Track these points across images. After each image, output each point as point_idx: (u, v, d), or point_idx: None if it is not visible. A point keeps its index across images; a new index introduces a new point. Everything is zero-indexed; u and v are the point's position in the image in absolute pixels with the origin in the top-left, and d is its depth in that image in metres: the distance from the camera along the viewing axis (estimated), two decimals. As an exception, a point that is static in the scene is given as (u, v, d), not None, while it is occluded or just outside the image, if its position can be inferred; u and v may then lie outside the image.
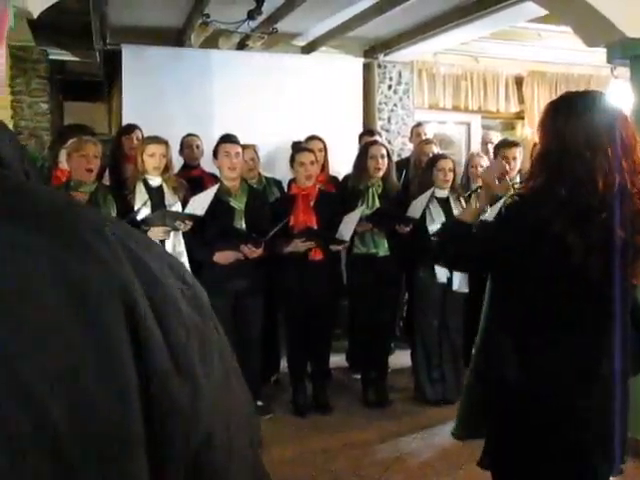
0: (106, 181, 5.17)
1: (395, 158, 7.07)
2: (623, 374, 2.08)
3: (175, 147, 5.67)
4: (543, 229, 1.95)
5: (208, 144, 5.32)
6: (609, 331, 2.03)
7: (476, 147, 7.82)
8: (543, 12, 5.20)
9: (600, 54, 4.52)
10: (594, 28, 4.28)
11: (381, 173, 5.15)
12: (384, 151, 5.20)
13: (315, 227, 4.92)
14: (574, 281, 2.00)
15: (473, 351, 2.31)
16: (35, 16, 3.34)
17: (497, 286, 2.21)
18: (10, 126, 0.70)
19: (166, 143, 4.76)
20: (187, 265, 4.67)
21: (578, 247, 1.93)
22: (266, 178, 5.78)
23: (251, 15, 5.73)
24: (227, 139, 4.91)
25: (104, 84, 7.59)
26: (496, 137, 6.73)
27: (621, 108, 2.12)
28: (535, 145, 2.22)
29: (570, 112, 2.05)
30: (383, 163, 5.14)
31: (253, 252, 4.66)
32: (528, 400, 2.06)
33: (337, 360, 5.97)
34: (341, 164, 5.99)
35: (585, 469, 2.07)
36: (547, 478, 2.09)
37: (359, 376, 5.48)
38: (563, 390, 2.03)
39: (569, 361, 2.01)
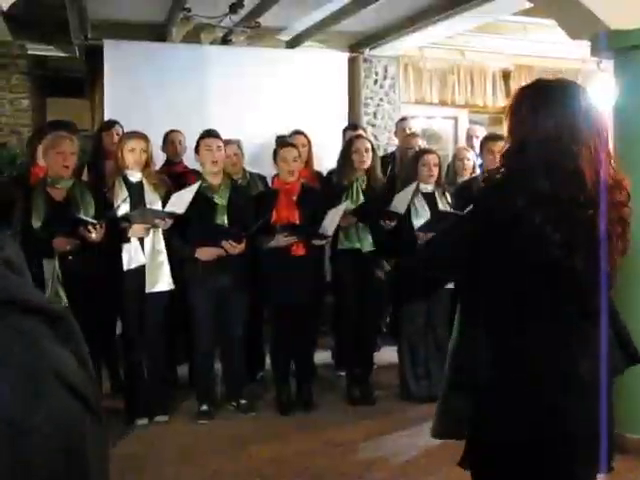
0: (85, 178, 5.09)
1: (382, 153, 7.02)
2: (606, 373, 2.03)
3: (158, 143, 5.60)
4: (518, 220, 1.89)
5: (191, 140, 5.24)
6: (587, 327, 1.98)
7: (463, 142, 7.77)
8: (527, 5, 5.15)
9: (587, 47, 4.47)
10: (578, 21, 4.22)
11: (365, 167, 5.09)
12: (368, 145, 5.15)
13: (297, 222, 4.86)
14: (552, 276, 1.95)
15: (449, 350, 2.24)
16: (5, 8, 3.26)
17: (468, 286, 2.16)
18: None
19: (146, 138, 4.69)
20: (166, 263, 4.62)
21: (558, 243, 1.88)
22: (250, 174, 5.72)
23: (233, 9, 5.66)
24: (208, 134, 4.85)
25: (86, 80, 7.50)
26: (481, 131, 6.68)
27: (591, 97, 2.06)
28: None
29: (551, 103, 1.98)
30: (367, 157, 5.08)
31: (234, 248, 4.60)
32: (505, 399, 2.01)
33: (323, 357, 5.92)
34: (326, 159, 5.93)
35: (568, 471, 2.01)
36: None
37: (344, 373, 5.43)
38: (541, 389, 1.97)
39: (547, 359, 1.96)
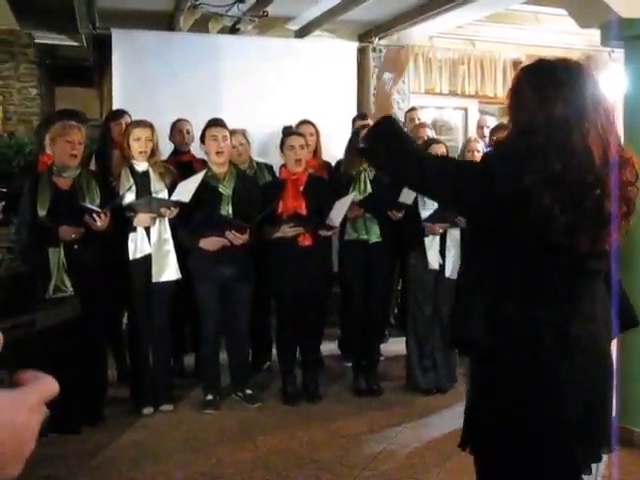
0: (93, 167, 5.09)
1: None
2: (603, 343, 2.03)
3: (166, 132, 5.59)
4: (523, 199, 1.85)
5: (199, 129, 5.22)
6: (586, 300, 1.97)
7: (473, 132, 7.70)
8: (538, -7, 5.10)
9: (598, 37, 4.41)
10: (588, 9, 4.17)
11: (373, 157, 5.05)
12: (376, 135, 5.10)
13: (304, 212, 4.84)
14: (555, 252, 1.92)
15: None
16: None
17: (471, 249, 2.13)
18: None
19: (151, 127, 4.67)
20: (173, 252, 4.62)
21: (564, 225, 1.85)
22: (257, 163, 5.70)
23: (240, -3, 5.62)
24: (214, 123, 4.83)
25: (95, 69, 7.49)
26: (491, 121, 6.63)
27: (595, 76, 2.01)
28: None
29: (558, 83, 1.93)
30: (375, 147, 5.04)
31: (238, 238, 4.58)
32: (500, 368, 1.98)
33: (330, 348, 5.91)
34: (335, 150, 5.89)
35: (566, 449, 1.98)
36: (527, 457, 1.99)
37: (351, 364, 5.41)
38: (537, 358, 1.94)
39: (544, 329, 1.93)
